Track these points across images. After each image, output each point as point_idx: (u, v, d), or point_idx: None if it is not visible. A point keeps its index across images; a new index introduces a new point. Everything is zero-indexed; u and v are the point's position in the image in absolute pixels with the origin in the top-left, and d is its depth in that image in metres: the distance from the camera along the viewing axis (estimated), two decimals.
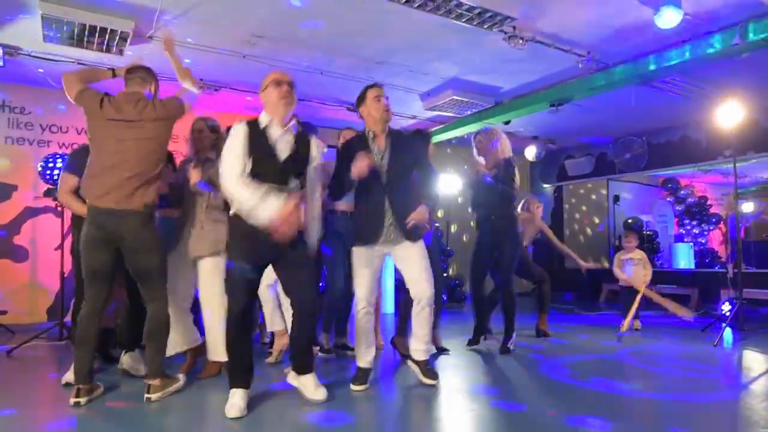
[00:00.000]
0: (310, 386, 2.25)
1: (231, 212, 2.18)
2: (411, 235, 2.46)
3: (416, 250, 2.49)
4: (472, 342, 3.50)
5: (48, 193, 3.73)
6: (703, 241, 8.81)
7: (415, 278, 2.49)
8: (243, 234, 2.12)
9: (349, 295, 3.17)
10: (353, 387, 2.50)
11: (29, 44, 3.82)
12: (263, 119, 2.19)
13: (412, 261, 2.49)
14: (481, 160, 3.47)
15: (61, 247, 3.84)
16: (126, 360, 2.73)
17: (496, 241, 3.40)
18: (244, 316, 2.13)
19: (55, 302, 4.62)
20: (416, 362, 2.57)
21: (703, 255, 8.43)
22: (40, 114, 4.79)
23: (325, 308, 3.24)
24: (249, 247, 2.12)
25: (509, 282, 3.40)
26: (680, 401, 2.32)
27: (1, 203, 4.66)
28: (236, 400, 2.07)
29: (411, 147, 2.56)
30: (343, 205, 3.19)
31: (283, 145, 2.18)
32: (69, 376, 2.51)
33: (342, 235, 3.19)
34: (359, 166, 2.33)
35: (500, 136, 3.46)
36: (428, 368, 2.55)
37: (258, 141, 2.14)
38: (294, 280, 2.20)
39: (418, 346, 2.56)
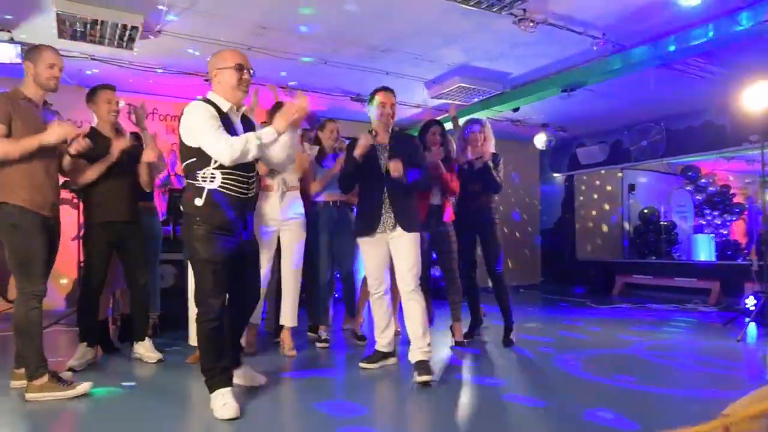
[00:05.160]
0: (248, 377, 2.27)
1: (196, 208, 1.97)
2: (405, 224, 2.54)
3: (408, 240, 2.53)
4: (468, 335, 3.42)
5: (64, 186, 3.76)
6: (725, 233, 8.49)
7: (399, 270, 2.56)
8: (211, 231, 1.97)
9: (327, 286, 3.34)
10: (361, 364, 2.66)
11: (44, 41, 3.76)
12: (222, 104, 2.03)
13: (401, 251, 2.54)
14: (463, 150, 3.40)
15: (78, 237, 3.93)
16: (138, 348, 2.86)
17: (477, 230, 3.35)
18: (222, 316, 2.01)
19: (73, 290, 4.80)
20: (413, 363, 2.47)
21: (725, 247, 8.12)
22: (55, 108, 4.80)
23: (311, 298, 3.41)
24: (220, 244, 1.99)
25: (499, 270, 3.32)
26: (700, 398, 2.22)
27: None
28: (229, 398, 1.96)
29: (408, 146, 2.68)
30: (326, 195, 3.26)
31: (240, 130, 2.07)
32: (73, 361, 2.66)
33: (326, 225, 3.27)
34: (361, 145, 2.53)
35: (490, 132, 3.41)
36: (422, 368, 2.41)
37: (225, 124, 1.99)
38: (245, 278, 2.13)
39: (414, 344, 2.51)
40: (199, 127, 1.94)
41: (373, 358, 2.69)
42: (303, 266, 3.22)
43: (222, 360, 2.02)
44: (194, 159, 1.97)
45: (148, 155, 2.78)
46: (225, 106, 2.02)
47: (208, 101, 2.02)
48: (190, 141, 1.97)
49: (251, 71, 2.06)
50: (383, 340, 2.69)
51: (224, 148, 1.90)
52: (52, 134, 2.21)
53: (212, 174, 1.96)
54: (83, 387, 2.22)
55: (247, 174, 2.04)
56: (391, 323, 2.72)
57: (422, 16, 3.56)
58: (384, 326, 2.69)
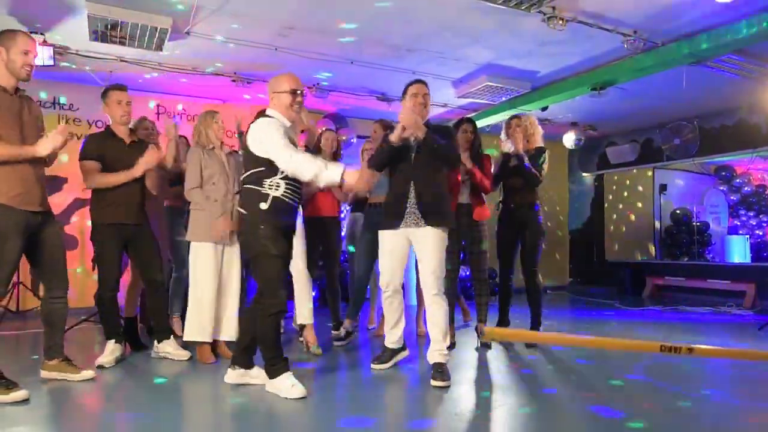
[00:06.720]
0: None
1: (261, 211, 2.18)
2: (430, 219, 2.45)
3: (432, 238, 2.45)
4: None
5: None
6: (760, 233, 8.17)
7: (421, 272, 2.51)
8: (278, 229, 2.20)
9: (362, 284, 3.33)
10: (373, 365, 2.59)
11: (76, 44, 4.00)
12: (283, 120, 2.27)
13: (425, 250, 2.47)
14: (508, 144, 3.37)
15: None
16: (165, 347, 2.87)
17: (518, 229, 3.31)
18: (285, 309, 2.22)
19: None
20: (431, 364, 2.45)
21: (761, 248, 7.82)
22: (87, 110, 5.02)
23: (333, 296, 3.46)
24: (286, 242, 2.25)
25: (535, 272, 3.29)
26: (731, 403, 2.18)
27: (53, 195, 4.95)
28: (294, 380, 2.15)
29: (441, 136, 2.56)
30: (372, 197, 3.28)
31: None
32: (102, 359, 2.69)
33: (369, 225, 3.31)
34: (399, 130, 2.44)
35: (536, 124, 3.41)
36: (439, 371, 2.38)
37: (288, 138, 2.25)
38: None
39: (433, 346, 2.45)
40: (270, 139, 2.15)
41: (383, 357, 2.62)
42: (323, 264, 3.29)
43: (280, 347, 2.21)
44: (262, 168, 2.18)
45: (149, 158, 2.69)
46: (285, 123, 2.28)
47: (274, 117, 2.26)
48: (260, 152, 2.18)
49: (303, 93, 2.30)
50: (392, 337, 2.63)
51: (287, 158, 2.12)
52: (46, 148, 2.15)
53: (278, 183, 2.18)
54: (88, 375, 2.37)
55: (300, 185, 2.28)
56: (401, 320, 2.65)
57: (448, 15, 3.55)
58: (394, 323, 2.62)
